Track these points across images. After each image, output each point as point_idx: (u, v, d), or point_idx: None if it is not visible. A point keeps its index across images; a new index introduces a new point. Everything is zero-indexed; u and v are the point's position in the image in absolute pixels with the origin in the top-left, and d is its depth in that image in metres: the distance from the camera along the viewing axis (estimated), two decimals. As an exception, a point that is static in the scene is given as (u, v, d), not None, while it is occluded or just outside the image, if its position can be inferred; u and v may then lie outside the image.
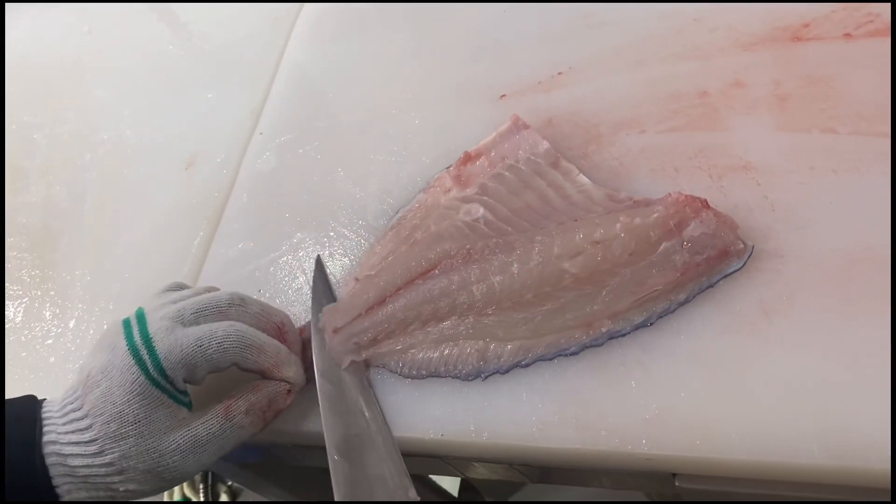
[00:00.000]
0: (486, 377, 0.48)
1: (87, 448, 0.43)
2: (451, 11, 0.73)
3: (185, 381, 0.46)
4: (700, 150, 0.53)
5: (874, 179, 0.47)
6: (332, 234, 0.61)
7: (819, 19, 0.56)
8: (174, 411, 0.45)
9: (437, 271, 0.51)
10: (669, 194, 0.48)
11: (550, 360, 0.47)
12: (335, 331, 0.52)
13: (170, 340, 0.45)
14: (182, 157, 0.76)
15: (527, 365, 0.48)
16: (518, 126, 0.58)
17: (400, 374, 0.50)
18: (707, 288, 0.46)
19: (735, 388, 0.43)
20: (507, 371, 0.48)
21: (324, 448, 0.46)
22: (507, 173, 0.56)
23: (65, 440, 0.43)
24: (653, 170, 0.54)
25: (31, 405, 0.45)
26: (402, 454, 0.48)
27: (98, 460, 0.43)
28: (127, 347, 0.45)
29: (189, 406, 0.46)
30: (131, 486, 0.44)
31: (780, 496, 0.44)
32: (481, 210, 0.54)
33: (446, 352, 0.49)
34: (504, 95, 0.63)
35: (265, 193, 0.68)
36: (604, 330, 0.46)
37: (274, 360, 0.48)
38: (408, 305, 0.51)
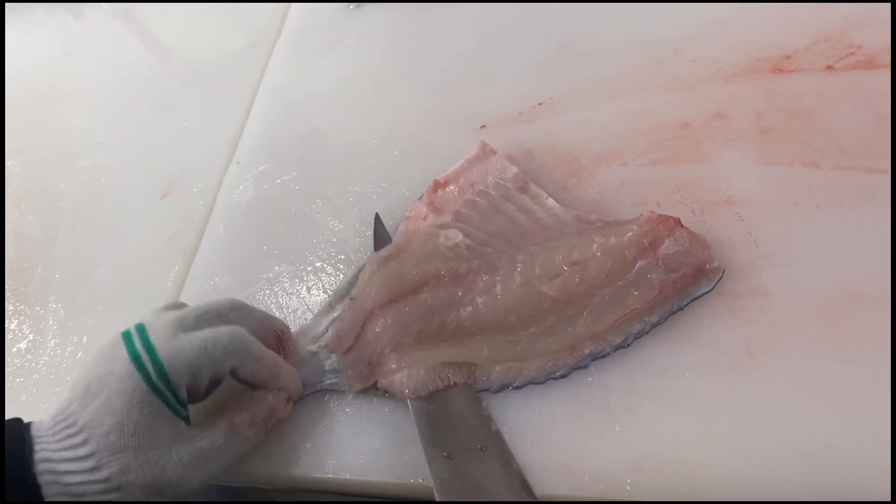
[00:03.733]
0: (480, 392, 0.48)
1: (83, 464, 0.41)
2: (432, 39, 0.72)
3: (187, 393, 0.44)
4: (682, 183, 0.52)
5: (858, 214, 0.47)
6: (310, 268, 0.60)
7: (800, 51, 0.55)
8: (175, 424, 0.43)
9: (426, 289, 0.50)
10: (642, 214, 0.49)
11: (542, 383, 0.47)
12: (347, 351, 0.51)
13: (173, 345, 0.43)
14: (158, 186, 0.74)
15: (518, 387, 0.47)
16: (486, 152, 0.58)
17: (401, 397, 0.48)
18: (678, 311, 0.46)
19: (720, 430, 0.42)
20: (497, 391, 0.47)
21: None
22: (477, 199, 0.55)
23: (58, 457, 0.41)
24: (634, 203, 0.53)
25: (18, 426, 0.42)
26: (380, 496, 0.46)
27: (95, 476, 0.41)
28: (128, 355, 0.42)
29: (188, 421, 0.45)
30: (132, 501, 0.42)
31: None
32: (460, 236, 0.53)
33: (439, 369, 0.48)
34: (484, 126, 0.62)
35: (242, 225, 0.67)
36: (587, 351, 0.46)
37: (271, 371, 0.47)
38: (399, 321, 0.50)
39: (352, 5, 0.80)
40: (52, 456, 0.41)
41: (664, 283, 0.47)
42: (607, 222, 0.51)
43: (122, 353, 0.43)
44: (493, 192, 0.55)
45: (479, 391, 0.48)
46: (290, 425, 0.51)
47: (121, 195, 0.76)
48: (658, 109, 0.57)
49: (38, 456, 0.41)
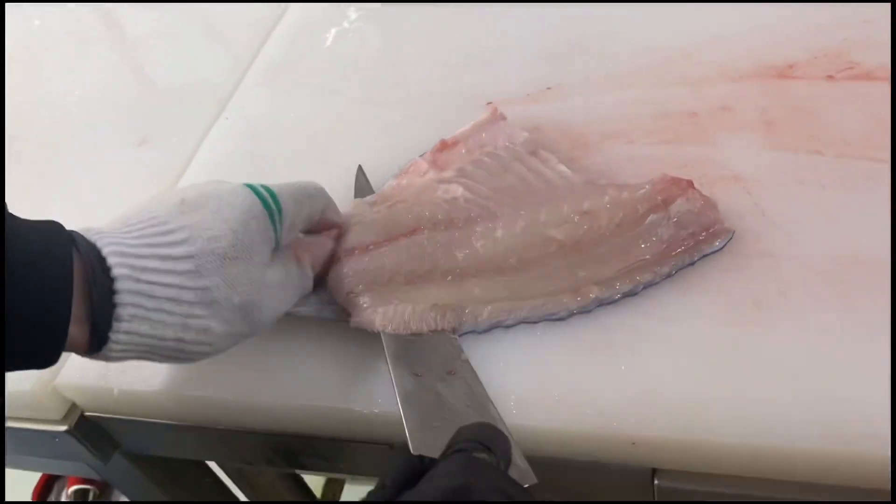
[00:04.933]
0: (461, 335, 0.45)
1: (180, 264, 0.37)
2: (442, 30, 0.73)
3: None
4: (689, 161, 0.53)
5: (862, 196, 0.48)
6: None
7: (802, 63, 0.58)
8: (270, 250, 0.42)
9: (419, 232, 0.49)
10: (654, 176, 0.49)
11: (535, 322, 0.45)
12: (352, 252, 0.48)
13: (277, 184, 0.43)
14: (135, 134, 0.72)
15: (509, 326, 0.45)
16: (496, 117, 0.58)
17: (377, 329, 0.45)
18: (689, 265, 0.46)
19: (726, 373, 0.41)
20: (484, 331, 0.45)
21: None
22: (486, 159, 0.54)
23: (145, 252, 0.37)
24: (640, 176, 0.53)
25: (56, 226, 0.37)
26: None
27: (192, 282, 0.37)
28: (237, 184, 0.42)
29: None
30: (213, 325, 0.38)
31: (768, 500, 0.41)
32: (460, 190, 0.52)
33: (424, 311, 0.45)
34: (490, 103, 0.63)
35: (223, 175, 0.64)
36: (592, 296, 0.45)
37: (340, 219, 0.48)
38: (391, 260, 0.47)
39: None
40: (133, 250, 0.36)
41: (673, 239, 0.47)
42: (619, 186, 0.51)
43: (230, 182, 0.42)
44: (502, 154, 0.55)
45: (466, 332, 0.46)
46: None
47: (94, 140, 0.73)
48: (666, 100, 0.58)
49: (107, 249, 0.36)
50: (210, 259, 0.38)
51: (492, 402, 0.42)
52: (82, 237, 0.37)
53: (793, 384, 0.40)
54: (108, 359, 0.38)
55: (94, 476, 0.65)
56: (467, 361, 0.44)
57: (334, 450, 0.50)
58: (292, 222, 0.43)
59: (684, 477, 0.42)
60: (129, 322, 0.36)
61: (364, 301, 0.46)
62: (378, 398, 0.45)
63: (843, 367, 0.40)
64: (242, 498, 0.78)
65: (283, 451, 0.53)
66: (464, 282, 0.48)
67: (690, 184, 0.48)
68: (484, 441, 0.33)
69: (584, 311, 0.45)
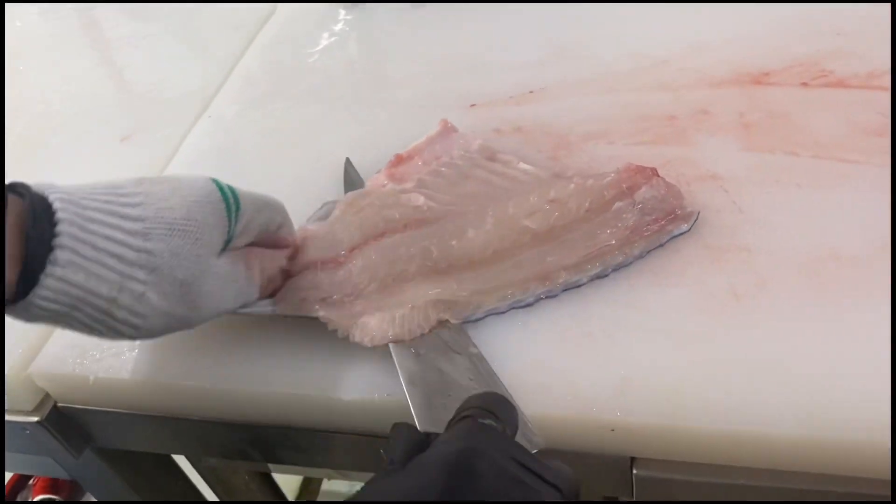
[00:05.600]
0: None
1: (128, 223, 0.36)
2: (427, 35, 0.74)
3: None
4: (668, 160, 0.54)
5: (837, 195, 0.49)
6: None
7: (778, 71, 0.60)
8: (220, 242, 0.41)
9: (391, 232, 0.49)
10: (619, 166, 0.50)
11: (503, 313, 0.46)
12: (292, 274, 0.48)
13: (242, 189, 0.43)
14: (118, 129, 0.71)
15: (477, 319, 0.46)
16: (448, 129, 0.58)
17: (356, 342, 0.45)
18: (657, 247, 0.47)
19: (705, 361, 0.42)
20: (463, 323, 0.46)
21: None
22: (443, 169, 0.55)
23: (94, 205, 0.36)
24: (621, 175, 0.54)
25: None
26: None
27: (137, 242, 0.37)
28: (201, 175, 0.42)
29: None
30: (150, 294, 0.37)
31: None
32: (422, 199, 0.52)
33: (403, 314, 0.45)
34: (474, 105, 0.63)
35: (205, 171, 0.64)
36: (560, 281, 0.46)
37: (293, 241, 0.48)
38: (365, 266, 0.47)
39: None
40: (79, 200, 0.36)
41: (639, 224, 0.48)
42: (585, 175, 0.52)
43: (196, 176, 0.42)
44: (459, 162, 0.55)
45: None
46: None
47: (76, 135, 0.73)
48: (645, 104, 0.60)
49: (53, 195, 0.35)
50: (160, 225, 0.38)
51: (496, 376, 0.42)
52: (29, 186, 0.36)
53: (770, 372, 0.40)
54: (28, 314, 0.36)
55: (64, 475, 0.63)
56: (468, 337, 0.45)
57: (312, 441, 0.50)
58: (248, 224, 0.43)
59: (663, 466, 0.42)
60: (63, 268, 0.34)
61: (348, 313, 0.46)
62: (357, 385, 0.45)
63: (819, 355, 0.41)
64: (214, 499, 0.77)
65: (260, 444, 0.52)
66: (440, 279, 0.47)
67: (654, 171, 0.50)
68: (489, 408, 0.33)
69: (551, 295, 0.46)
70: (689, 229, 0.48)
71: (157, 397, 0.50)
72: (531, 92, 0.64)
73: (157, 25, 0.89)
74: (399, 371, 0.41)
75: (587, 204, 0.48)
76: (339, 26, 0.78)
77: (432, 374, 0.41)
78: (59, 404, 0.53)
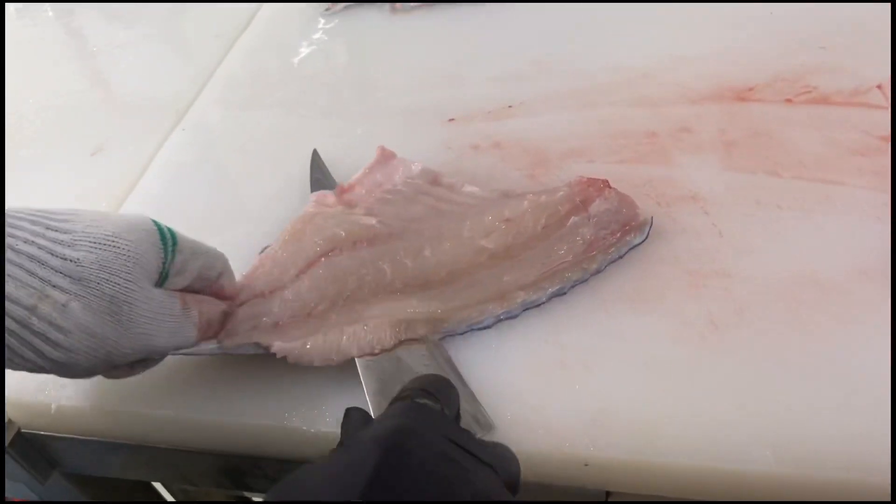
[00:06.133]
0: None
1: (53, 233, 0.36)
2: (407, 46, 0.73)
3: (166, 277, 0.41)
4: (648, 180, 0.53)
5: (818, 217, 0.48)
6: (243, 238, 0.56)
7: (761, 86, 0.59)
8: (152, 277, 0.39)
9: (339, 251, 0.48)
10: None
11: (462, 334, 0.45)
12: (241, 304, 0.46)
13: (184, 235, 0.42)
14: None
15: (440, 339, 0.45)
16: (387, 156, 0.57)
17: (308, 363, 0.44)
18: (617, 259, 0.47)
19: (682, 394, 0.41)
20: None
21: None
22: (389, 196, 0.53)
23: (22, 216, 0.36)
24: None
25: None
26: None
27: (62, 249, 0.36)
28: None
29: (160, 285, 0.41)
30: (74, 305, 0.35)
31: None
32: (374, 220, 0.51)
33: (357, 333, 0.44)
34: (452, 119, 0.62)
35: (177, 186, 0.63)
36: (518, 301, 0.45)
37: (234, 293, 0.46)
38: (312, 286, 0.46)
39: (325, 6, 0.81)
40: (9, 211, 0.36)
41: (594, 239, 0.47)
42: (537, 192, 0.51)
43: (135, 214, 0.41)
44: (403, 189, 0.53)
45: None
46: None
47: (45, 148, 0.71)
48: (626, 119, 0.58)
49: None
50: (87, 238, 0.37)
51: (452, 365, 0.42)
52: None
53: (748, 406, 0.39)
54: None
55: (34, 497, 0.62)
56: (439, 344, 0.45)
57: (282, 471, 0.48)
58: (185, 265, 0.41)
59: (638, 501, 0.41)
60: None
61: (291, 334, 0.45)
62: (324, 417, 0.43)
63: (798, 390, 0.40)
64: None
65: (230, 472, 0.51)
66: (394, 299, 0.46)
67: (606, 183, 0.49)
68: (428, 388, 0.34)
69: (511, 316, 0.45)
70: (646, 239, 0.47)
71: (121, 426, 0.48)
72: (510, 106, 0.62)
73: (135, 31, 0.88)
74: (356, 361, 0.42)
75: (543, 220, 0.48)
76: (317, 35, 0.77)
77: (389, 361, 0.42)
78: (24, 430, 0.52)
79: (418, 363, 0.42)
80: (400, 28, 0.75)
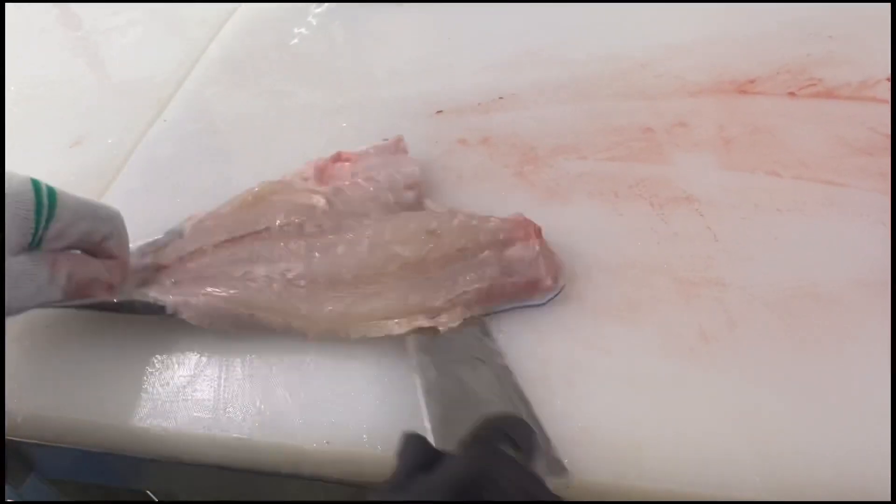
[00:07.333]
0: None
1: None
2: (394, 37, 0.70)
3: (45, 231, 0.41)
4: (641, 179, 0.50)
5: (819, 221, 0.46)
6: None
7: (763, 78, 0.56)
8: (22, 237, 0.40)
9: (263, 234, 0.48)
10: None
11: None
12: (159, 268, 0.48)
13: (69, 193, 0.42)
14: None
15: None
16: (398, 147, 0.54)
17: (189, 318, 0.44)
18: (501, 311, 0.44)
19: (669, 413, 0.39)
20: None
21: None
22: (363, 183, 0.51)
23: None
24: (591, 193, 0.50)
25: None
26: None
27: None
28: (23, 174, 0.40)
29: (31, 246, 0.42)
30: None
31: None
32: (323, 201, 0.50)
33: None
34: (440, 111, 0.60)
35: (155, 181, 0.61)
36: (416, 325, 0.43)
37: (125, 254, 0.47)
38: (222, 259, 0.47)
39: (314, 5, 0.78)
40: None
41: (495, 281, 0.44)
42: (472, 214, 0.48)
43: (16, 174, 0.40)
44: (380, 181, 0.51)
45: None
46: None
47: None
48: (620, 113, 0.56)
49: None
50: None
51: (522, 393, 0.40)
52: None
53: (738, 427, 0.37)
54: None
55: (14, 497, 0.61)
56: (500, 352, 0.42)
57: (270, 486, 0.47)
58: (62, 231, 0.42)
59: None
60: None
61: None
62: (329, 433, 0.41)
63: (793, 411, 0.37)
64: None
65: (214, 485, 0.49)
66: (294, 288, 0.46)
67: (537, 232, 0.45)
68: (508, 432, 0.32)
69: None
70: (543, 304, 0.44)
71: (95, 435, 0.47)
72: (501, 98, 0.60)
73: (121, 18, 0.85)
74: (418, 379, 0.40)
75: (462, 243, 0.44)
76: (302, 28, 0.74)
77: (452, 383, 0.39)
78: (-6, 437, 0.50)
79: (486, 390, 0.40)
80: (388, 17, 0.72)
